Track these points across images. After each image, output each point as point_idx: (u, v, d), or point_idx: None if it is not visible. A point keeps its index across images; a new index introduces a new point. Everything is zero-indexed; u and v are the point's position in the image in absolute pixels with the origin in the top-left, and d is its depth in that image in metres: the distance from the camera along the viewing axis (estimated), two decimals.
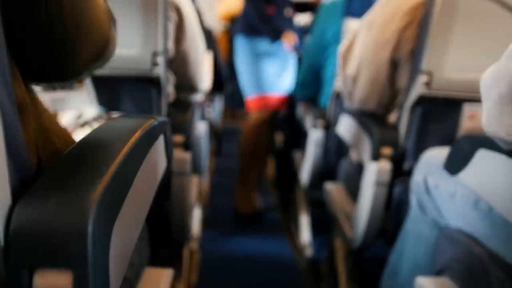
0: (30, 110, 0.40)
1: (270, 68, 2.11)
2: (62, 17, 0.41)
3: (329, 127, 1.70)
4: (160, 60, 1.06)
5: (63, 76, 0.49)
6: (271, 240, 2.05)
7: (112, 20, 0.52)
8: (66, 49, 0.44)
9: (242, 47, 2.13)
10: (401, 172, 1.10)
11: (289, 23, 2.09)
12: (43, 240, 0.31)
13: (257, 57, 2.10)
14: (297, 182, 2.05)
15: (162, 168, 0.61)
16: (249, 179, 2.26)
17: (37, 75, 0.47)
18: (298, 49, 2.11)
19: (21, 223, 0.32)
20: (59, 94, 0.96)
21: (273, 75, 2.12)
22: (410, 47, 1.12)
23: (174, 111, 1.21)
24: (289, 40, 2.03)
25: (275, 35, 2.03)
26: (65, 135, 0.51)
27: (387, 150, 1.08)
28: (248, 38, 2.09)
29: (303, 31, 2.18)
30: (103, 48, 0.49)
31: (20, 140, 0.35)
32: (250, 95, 2.18)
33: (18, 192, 0.34)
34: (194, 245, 1.55)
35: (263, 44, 2.08)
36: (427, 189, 0.86)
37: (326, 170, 1.69)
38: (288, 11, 2.10)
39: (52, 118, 0.49)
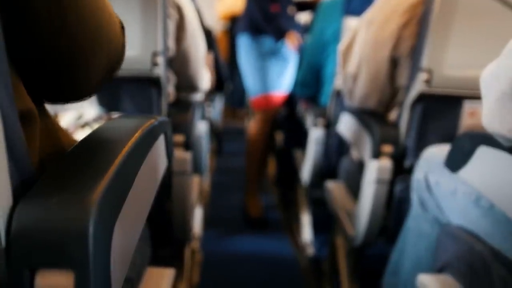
0: (35, 112, 0.40)
1: (274, 67, 2.09)
2: (68, 36, 0.40)
3: (329, 125, 1.70)
4: (160, 60, 1.05)
5: (75, 95, 0.48)
6: (273, 239, 2.05)
7: (122, 32, 0.51)
8: (75, 68, 0.43)
9: (246, 47, 2.10)
10: (401, 170, 1.10)
11: (292, 22, 2.07)
12: (44, 240, 0.31)
13: (261, 56, 2.07)
14: (298, 181, 2.05)
15: (162, 168, 0.61)
16: (257, 181, 2.25)
17: (49, 95, 0.47)
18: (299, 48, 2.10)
19: (22, 223, 0.32)
20: None
21: (277, 74, 2.10)
22: (410, 44, 1.12)
23: (175, 111, 1.21)
24: (292, 40, 2.01)
25: (279, 35, 2.00)
26: (69, 137, 0.51)
27: (387, 148, 1.08)
28: (253, 37, 2.06)
29: (303, 30, 2.17)
30: (115, 62, 0.48)
31: (21, 141, 0.35)
32: (255, 94, 2.15)
33: (19, 192, 0.34)
34: (195, 244, 1.55)
35: (268, 43, 2.05)
36: (428, 187, 0.86)
37: (326, 169, 1.69)
38: (291, 9, 2.07)
39: (56, 120, 0.49)
